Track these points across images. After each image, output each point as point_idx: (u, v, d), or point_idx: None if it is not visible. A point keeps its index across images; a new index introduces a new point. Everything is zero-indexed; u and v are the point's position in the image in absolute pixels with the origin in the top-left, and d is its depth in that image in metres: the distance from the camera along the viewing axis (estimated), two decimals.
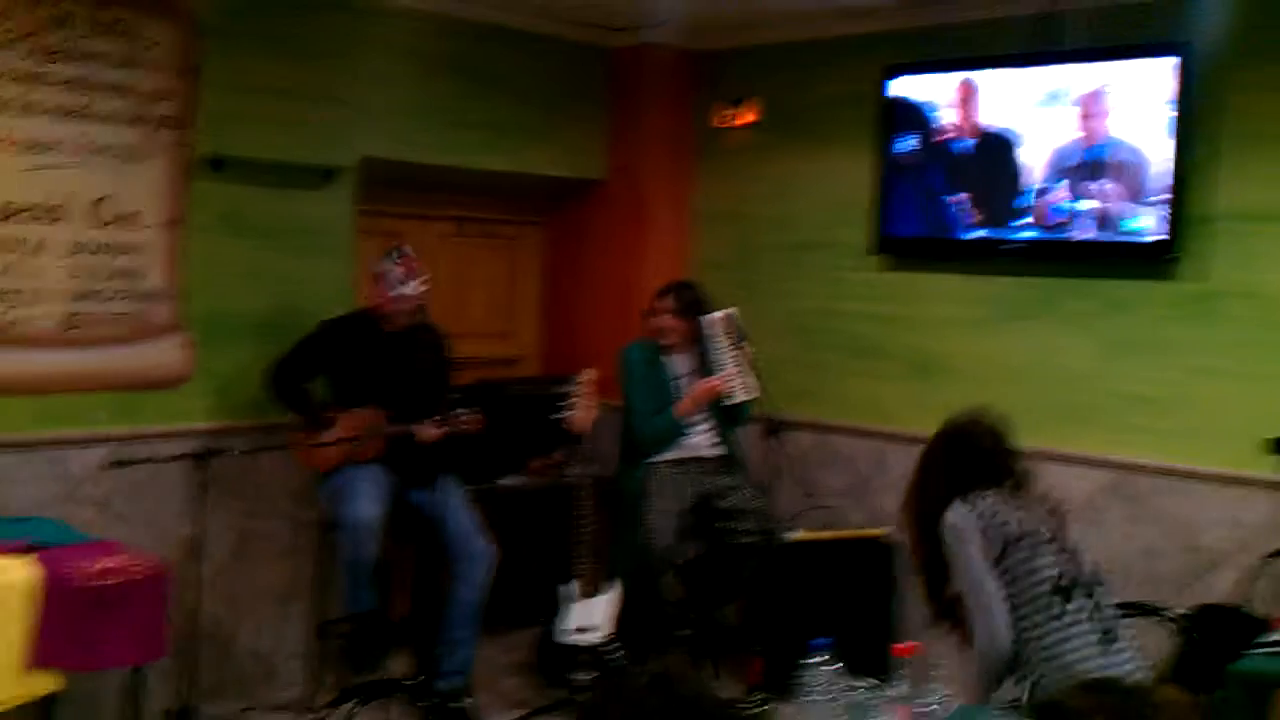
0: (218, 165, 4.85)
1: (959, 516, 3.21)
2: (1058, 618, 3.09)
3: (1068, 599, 3.10)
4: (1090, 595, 3.14)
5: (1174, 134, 4.64)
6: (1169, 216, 4.68)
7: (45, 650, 3.70)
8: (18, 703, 3.73)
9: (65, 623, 3.74)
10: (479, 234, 6.35)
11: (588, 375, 5.03)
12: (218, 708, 4.71)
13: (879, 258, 5.55)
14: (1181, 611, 4.44)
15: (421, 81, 5.51)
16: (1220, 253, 4.67)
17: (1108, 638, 3.09)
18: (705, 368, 5.23)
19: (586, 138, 6.20)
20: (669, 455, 5.20)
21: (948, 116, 5.26)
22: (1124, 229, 4.80)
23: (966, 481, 3.29)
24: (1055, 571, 3.15)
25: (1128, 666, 3.06)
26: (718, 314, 5.19)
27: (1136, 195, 4.75)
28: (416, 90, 5.50)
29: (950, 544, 3.22)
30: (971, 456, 3.35)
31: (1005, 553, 3.16)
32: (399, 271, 4.78)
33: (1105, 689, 1.73)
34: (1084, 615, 3.10)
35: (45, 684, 3.76)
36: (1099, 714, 1.62)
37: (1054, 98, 4.93)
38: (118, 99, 4.59)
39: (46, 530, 4.15)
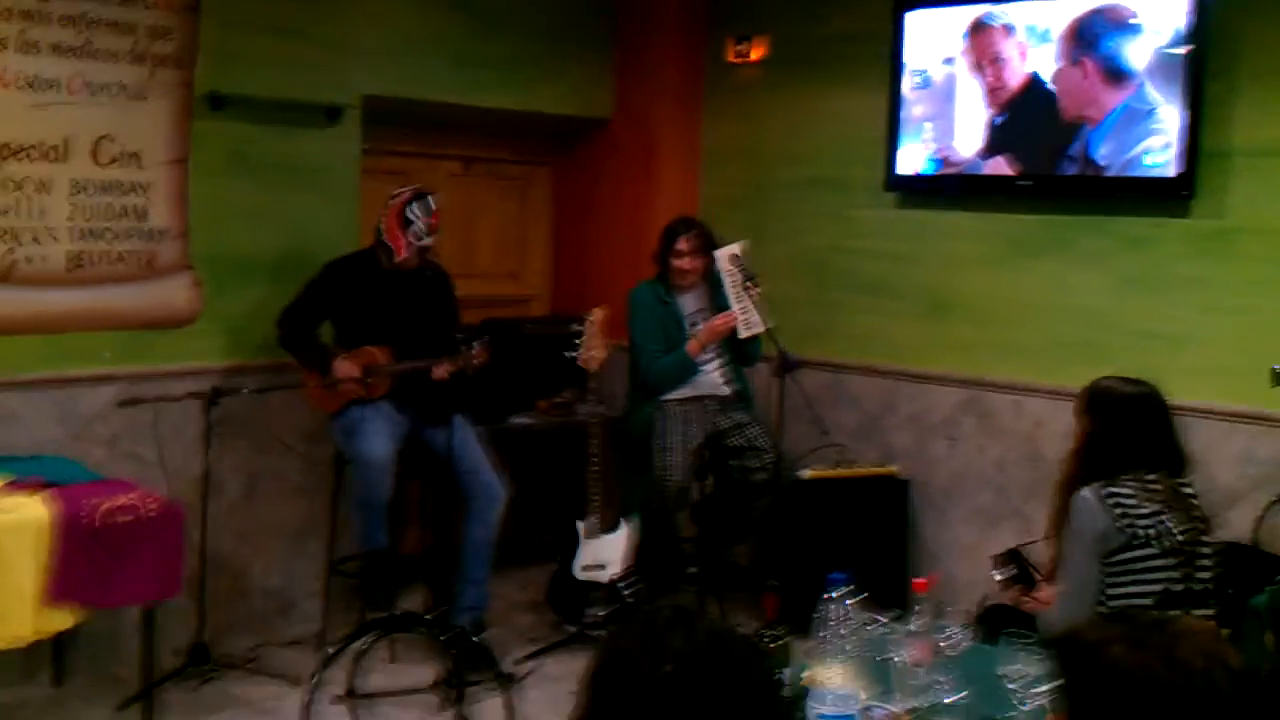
0: (219, 104, 4.80)
1: (1090, 503, 3.10)
2: None
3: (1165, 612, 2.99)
4: (1190, 613, 3.02)
5: (1189, 68, 4.57)
6: (1184, 153, 4.62)
7: (61, 587, 3.73)
8: (35, 638, 3.77)
9: (80, 560, 3.76)
10: (487, 174, 6.30)
11: (597, 314, 5.01)
12: (232, 644, 4.73)
13: (891, 195, 5.50)
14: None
15: (424, 17, 5.44)
16: (1236, 189, 4.62)
17: None
18: (715, 305, 5.20)
19: (594, 75, 6.13)
20: (679, 394, 5.18)
21: (961, 52, 5.18)
22: (1140, 165, 4.74)
23: (1126, 461, 3.15)
24: (1165, 584, 3.07)
25: None
26: (727, 249, 5.15)
27: (1152, 131, 4.68)
28: (419, 26, 5.42)
29: (1071, 519, 3.13)
30: (1136, 435, 3.18)
31: (1125, 549, 3.08)
32: (424, 223, 4.75)
33: (1125, 619, 1.72)
34: None
35: (61, 620, 3.79)
36: (1118, 643, 1.60)
37: (1067, 31, 4.86)
38: (118, 36, 4.53)
39: (58, 468, 4.15)
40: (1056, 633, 2.89)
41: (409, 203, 4.76)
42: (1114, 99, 4.78)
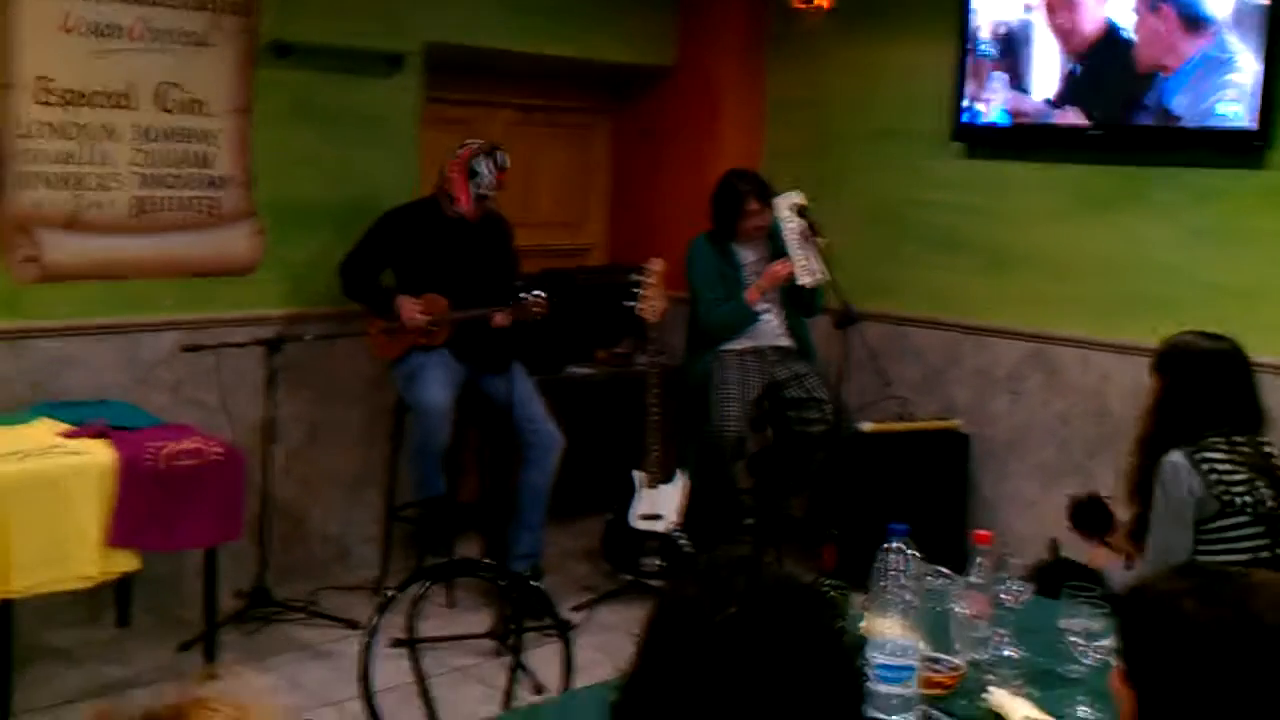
0: (283, 52, 4.80)
1: (1178, 469, 2.96)
2: None
3: None
4: None
5: (1270, 17, 4.43)
6: (1261, 103, 4.50)
7: (123, 530, 3.78)
8: (100, 580, 3.83)
9: (142, 503, 3.81)
10: (546, 123, 6.26)
11: (657, 265, 4.99)
12: (290, 589, 4.79)
13: (959, 145, 5.40)
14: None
15: None
16: None
17: None
18: (773, 255, 5.15)
19: (655, 23, 6.06)
20: (738, 344, 5.15)
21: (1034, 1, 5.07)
22: (1214, 116, 4.62)
23: (1206, 420, 3.02)
24: (1254, 553, 2.95)
25: None
26: (786, 197, 5.10)
27: (1229, 82, 4.55)
28: None
29: (1158, 486, 3.00)
30: (1215, 393, 3.03)
31: (1216, 516, 2.96)
32: (492, 179, 4.75)
33: (1194, 572, 1.67)
34: None
35: (125, 563, 3.85)
36: (1190, 596, 1.55)
37: None
38: None
39: (121, 413, 4.21)
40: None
41: (477, 155, 4.74)
42: (1192, 47, 4.65)
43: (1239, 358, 3.10)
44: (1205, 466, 2.97)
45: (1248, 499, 2.97)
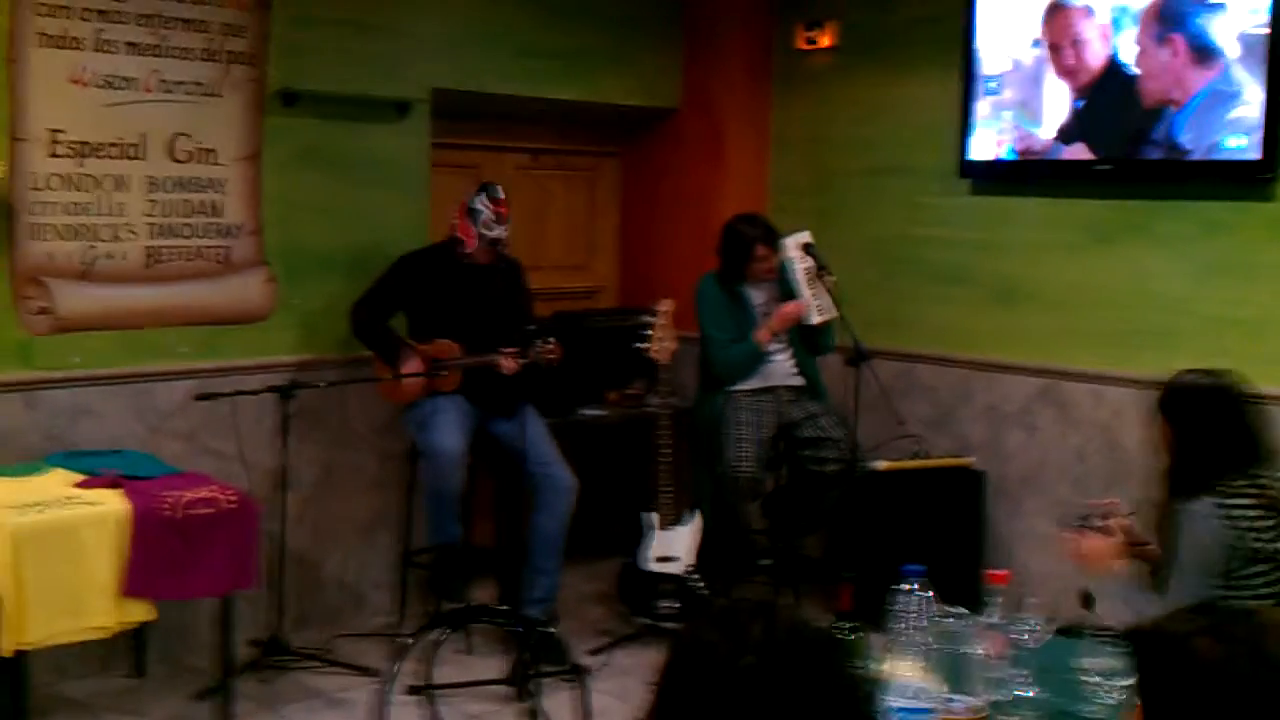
0: (290, 100, 4.84)
1: (1205, 519, 2.90)
2: None
3: None
4: None
5: (1273, 47, 4.45)
6: (1267, 135, 4.51)
7: (137, 580, 3.78)
8: (115, 630, 3.83)
9: (156, 553, 3.82)
10: (555, 165, 6.30)
11: (666, 305, 5.01)
12: (306, 637, 4.78)
13: (963, 181, 5.42)
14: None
15: (490, 9, 5.43)
16: None
17: None
18: (783, 295, 5.17)
19: (661, 65, 6.10)
20: (749, 385, 5.15)
21: (1039, 35, 5.09)
22: (1221, 149, 4.63)
23: (1226, 460, 2.96)
24: (1278, 598, 2.91)
25: None
26: (794, 237, 5.12)
27: (1234, 114, 4.57)
28: (486, 19, 5.42)
29: (1186, 535, 2.93)
30: (1229, 430, 2.99)
31: (1244, 564, 2.91)
32: (490, 213, 4.78)
33: (1209, 611, 1.67)
34: None
35: (140, 613, 3.84)
36: (1202, 635, 1.55)
37: (1150, 10, 4.75)
38: (192, 34, 4.59)
39: (136, 462, 4.22)
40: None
41: (472, 197, 4.79)
42: (1200, 80, 4.67)
43: (1243, 391, 3.07)
44: (1235, 515, 2.91)
45: (1276, 545, 2.92)
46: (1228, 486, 2.93)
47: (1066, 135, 5.06)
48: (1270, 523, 2.93)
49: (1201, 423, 3.02)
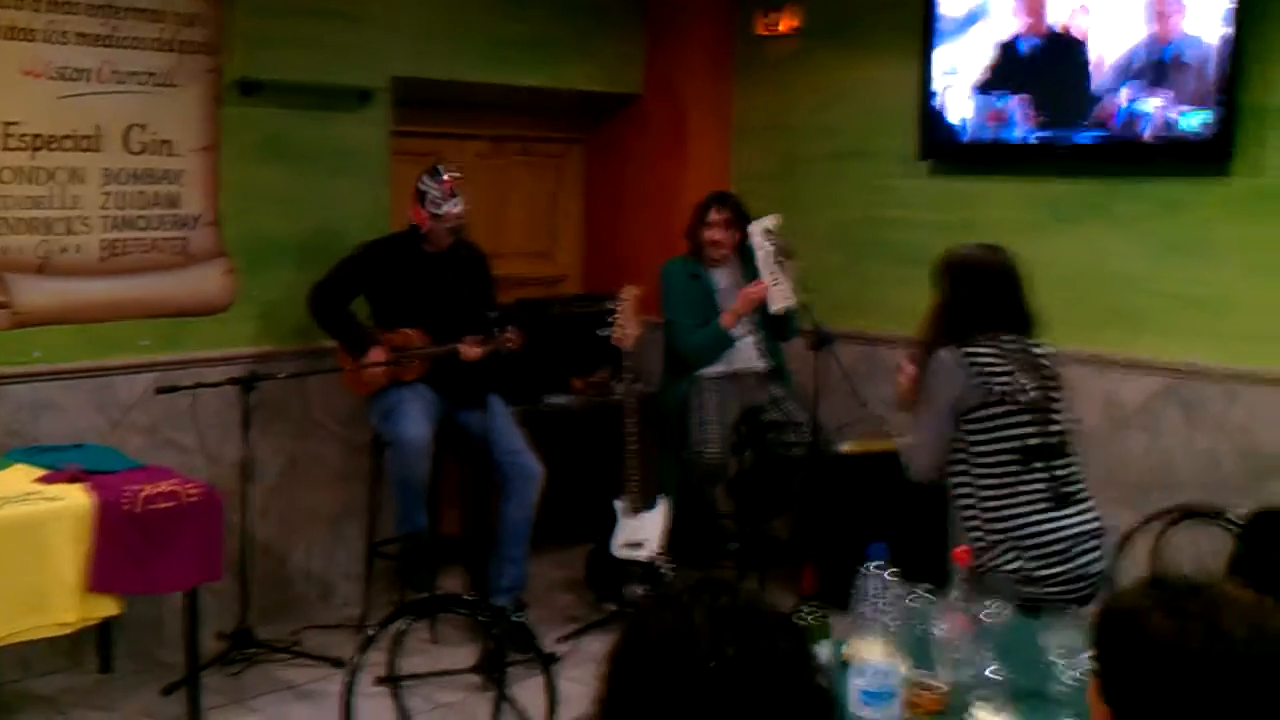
0: (249, 89, 4.81)
1: (948, 363, 3.28)
2: (1010, 480, 3.25)
3: (1026, 465, 3.25)
4: (1050, 463, 3.27)
5: (1229, 24, 4.48)
6: (1223, 113, 4.54)
7: (103, 575, 3.75)
8: (80, 625, 3.80)
9: (121, 547, 3.79)
10: (517, 153, 6.28)
11: (630, 292, 5.01)
12: (273, 629, 4.77)
13: (926, 164, 5.44)
14: (1239, 516, 4.37)
15: None
16: (1276, 148, 4.53)
17: (1058, 503, 3.25)
18: (747, 280, 5.17)
19: (623, 51, 6.09)
20: (715, 369, 5.16)
21: (999, 14, 5.11)
22: (1179, 128, 4.66)
23: (977, 323, 3.31)
24: (1022, 439, 3.26)
25: (1076, 529, 3.25)
26: (759, 222, 5.12)
27: (1195, 92, 4.60)
28: (447, 5, 5.40)
29: (928, 376, 3.33)
30: (985, 299, 3.35)
31: (981, 407, 3.25)
32: (439, 190, 4.74)
33: (1165, 585, 1.68)
34: (1038, 480, 3.25)
35: (105, 607, 3.82)
36: (1157, 611, 1.56)
37: None
38: (146, 24, 4.55)
39: (97, 457, 4.19)
40: (906, 466, 3.33)
41: (421, 179, 4.77)
42: (1151, 56, 4.70)
43: (1010, 268, 3.41)
44: (969, 361, 3.26)
45: (1007, 389, 3.25)
46: (973, 343, 3.29)
47: (1022, 116, 5.09)
48: (1002, 369, 3.27)
49: (966, 289, 3.37)
